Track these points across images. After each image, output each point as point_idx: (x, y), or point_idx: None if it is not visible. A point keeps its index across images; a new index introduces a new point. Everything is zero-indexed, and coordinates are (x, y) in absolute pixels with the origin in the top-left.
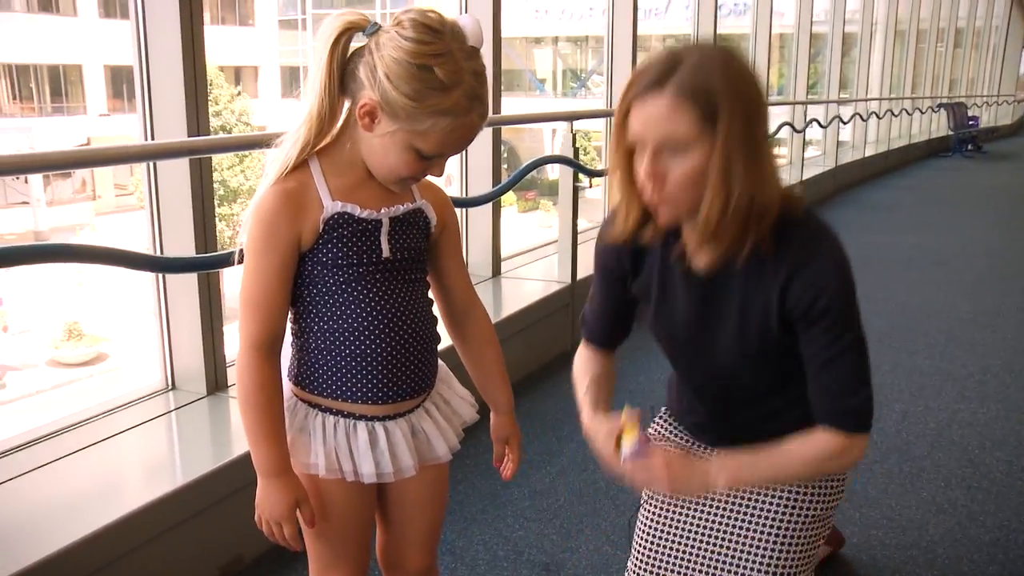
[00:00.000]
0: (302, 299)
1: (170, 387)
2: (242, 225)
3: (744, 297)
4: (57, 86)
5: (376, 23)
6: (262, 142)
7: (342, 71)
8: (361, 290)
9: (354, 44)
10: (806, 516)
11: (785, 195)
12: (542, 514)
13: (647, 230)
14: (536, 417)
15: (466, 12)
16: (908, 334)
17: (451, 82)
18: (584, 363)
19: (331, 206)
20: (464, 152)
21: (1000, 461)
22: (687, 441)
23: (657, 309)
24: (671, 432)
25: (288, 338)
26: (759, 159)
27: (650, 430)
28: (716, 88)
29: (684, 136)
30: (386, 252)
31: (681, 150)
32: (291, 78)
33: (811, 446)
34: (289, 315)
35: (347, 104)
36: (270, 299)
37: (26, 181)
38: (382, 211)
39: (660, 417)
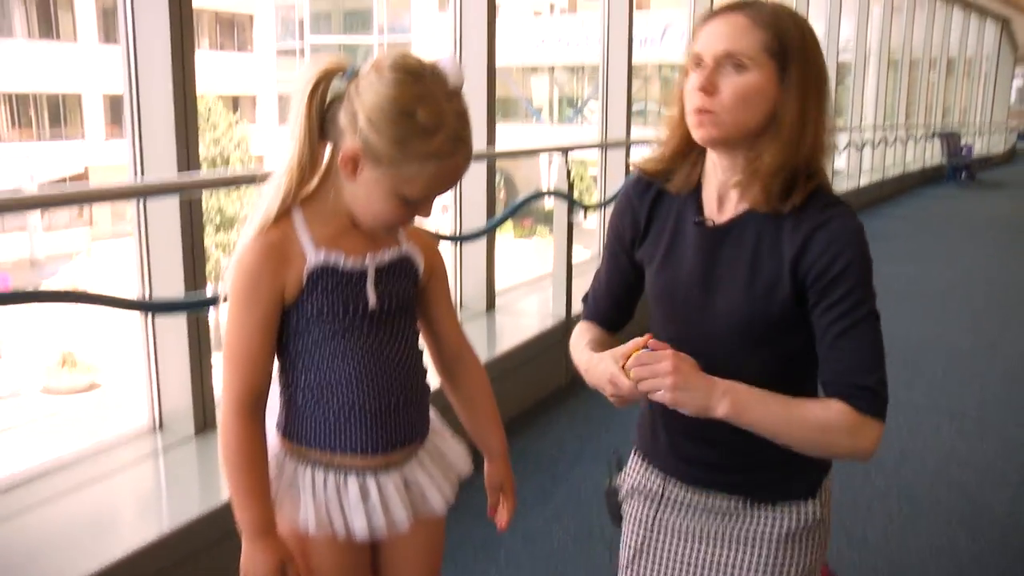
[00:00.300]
0: (288, 352)
1: (158, 427)
2: (225, 273)
3: (756, 251)
4: (56, 113)
5: (354, 68)
6: (251, 179)
7: (322, 118)
8: (349, 342)
9: (333, 89)
10: (791, 572)
11: None
12: (536, 559)
13: (676, 176)
14: (530, 456)
15: (461, 42)
16: (905, 369)
17: (434, 125)
18: (583, 331)
19: (315, 257)
20: (458, 184)
21: (1002, 500)
22: (659, 486)
23: (663, 265)
24: (643, 478)
25: (275, 389)
26: (826, 117)
27: (618, 481)
28: (790, 33)
29: (747, 52)
30: (373, 302)
31: (739, 67)
32: (289, 106)
33: (826, 411)
34: (276, 367)
35: (328, 150)
36: (254, 354)
37: None
38: (367, 259)
39: (631, 463)
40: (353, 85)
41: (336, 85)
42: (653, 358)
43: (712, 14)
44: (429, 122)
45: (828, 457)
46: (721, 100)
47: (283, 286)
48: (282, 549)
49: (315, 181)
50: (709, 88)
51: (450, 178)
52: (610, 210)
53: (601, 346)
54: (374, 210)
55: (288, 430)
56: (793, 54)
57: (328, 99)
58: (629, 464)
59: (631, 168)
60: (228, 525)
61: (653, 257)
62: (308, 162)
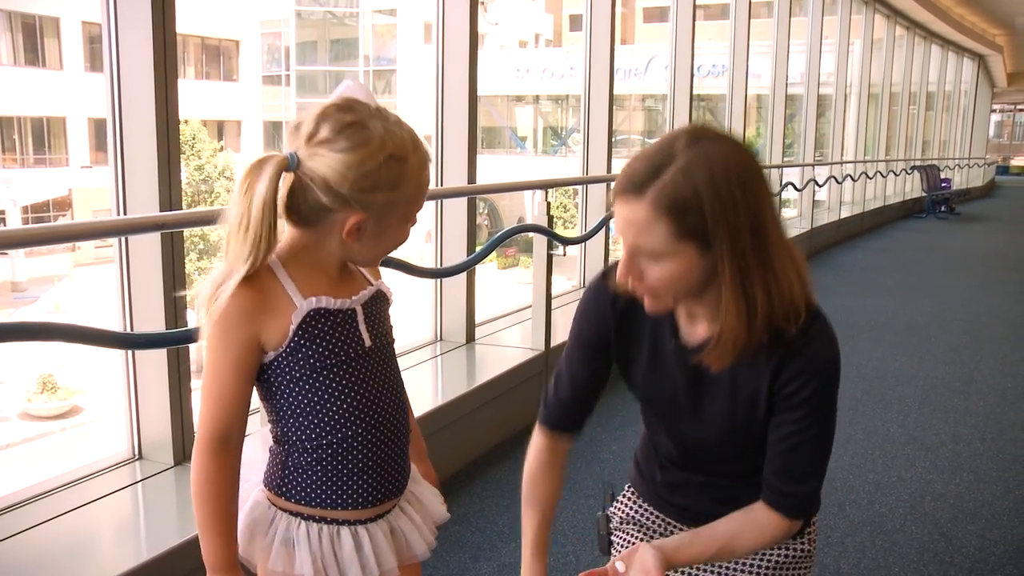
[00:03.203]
0: (285, 412)
1: (137, 457)
2: (197, 302)
3: (735, 375)
4: (40, 138)
5: (293, 156)
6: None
7: (276, 207)
8: (348, 393)
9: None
10: None
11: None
12: None
13: None
14: (506, 488)
15: (443, 75)
16: (882, 401)
17: (403, 151)
18: (538, 468)
19: (305, 304)
20: (439, 217)
21: (973, 535)
22: (651, 518)
23: (646, 376)
24: (635, 511)
25: (259, 445)
26: (778, 264)
27: (611, 510)
28: (704, 203)
29: (657, 248)
30: (368, 341)
31: (655, 258)
32: (274, 132)
33: (760, 533)
34: (272, 430)
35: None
36: (225, 394)
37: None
38: (352, 299)
39: (624, 496)
40: (307, 172)
41: (284, 177)
42: None
43: (622, 190)
44: (399, 152)
45: None
46: (649, 284)
47: (259, 331)
48: None
49: (292, 245)
50: (634, 275)
51: (427, 179)
52: (591, 245)
53: (546, 515)
54: (385, 248)
55: (282, 489)
56: (716, 224)
57: (281, 192)
58: (622, 497)
59: (601, 279)
60: None
61: (635, 365)
62: (271, 238)
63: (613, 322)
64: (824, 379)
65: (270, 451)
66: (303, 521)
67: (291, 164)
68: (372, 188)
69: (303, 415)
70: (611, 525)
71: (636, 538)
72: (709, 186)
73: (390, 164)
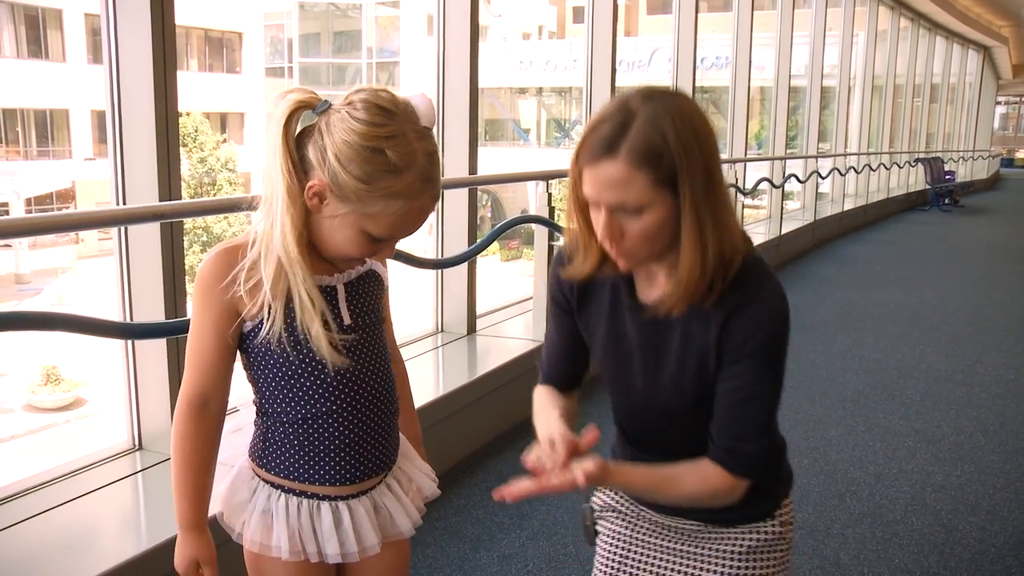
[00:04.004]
0: (265, 388)
1: (137, 447)
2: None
3: (684, 337)
4: (43, 130)
5: (326, 101)
6: (233, 206)
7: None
8: (323, 368)
9: (303, 121)
10: None
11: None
12: None
13: (605, 267)
14: (507, 479)
15: (444, 67)
16: (884, 393)
17: (403, 164)
18: (546, 398)
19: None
20: (440, 208)
21: (973, 526)
22: (628, 506)
23: (606, 342)
24: (615, 501)
25: (248, 417)
26: (723, 209)
27: (594, 500)
28: (672, 148)
29: (639, 201)
30: (347, 319)
31: (637, 212)
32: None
33: (703, 483)
34: (254, 400)
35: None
36: (205, 356)
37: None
38: (335, 277)
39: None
40: (324, 120)
41: (307, 117)
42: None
43: (592, 156)
44: (398, 161)
45: None
46: (628, 242)
47: (236, 299)
48: (204, 548)
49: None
50: (614, 235)
51: (417, 218)
52: None
53: (565, 420)
54: (336, 243)
55: (263, 460)
56: (681, 168)
57: (297, 131)
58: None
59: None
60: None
61: (595, 333)
62: (297, 192)
63: (575, 290)
64: (771, 332)
65: (254, 422)
66: (283, 494)
67: (319, 107)
68: (346, 164)
69: (278, 388)
70: (595, 515)
71: (617, 525)
72: (674, 133)
73: (381, 160)
